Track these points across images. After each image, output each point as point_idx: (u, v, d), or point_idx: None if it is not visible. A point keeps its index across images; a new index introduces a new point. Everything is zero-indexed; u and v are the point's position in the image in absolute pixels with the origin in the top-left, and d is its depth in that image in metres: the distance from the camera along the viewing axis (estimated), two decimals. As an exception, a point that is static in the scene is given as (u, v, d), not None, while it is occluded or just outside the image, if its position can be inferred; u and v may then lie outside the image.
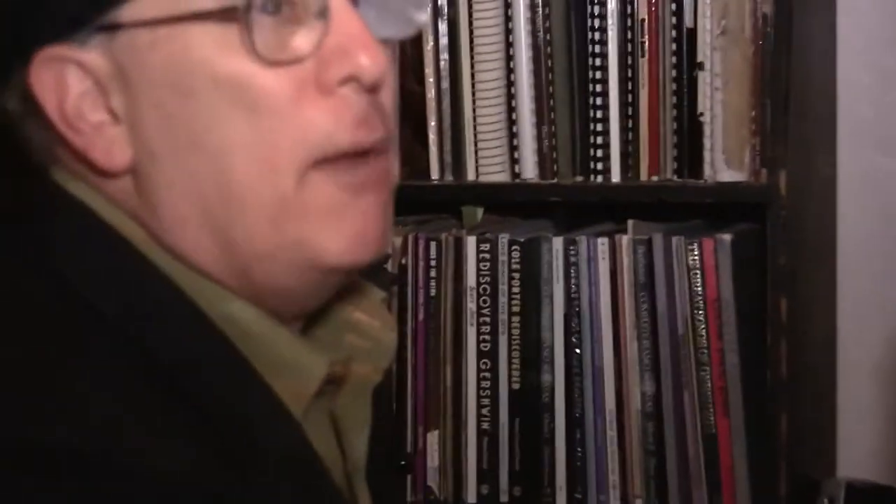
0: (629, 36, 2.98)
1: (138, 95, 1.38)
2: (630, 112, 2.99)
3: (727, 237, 2.93)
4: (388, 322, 1.61)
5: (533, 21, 3.01)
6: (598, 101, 3.00)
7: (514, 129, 3.05)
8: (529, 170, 3.04)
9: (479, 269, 3.06)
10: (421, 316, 3.06)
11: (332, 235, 1.40)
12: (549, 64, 3.04)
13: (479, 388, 3.07)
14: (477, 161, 2.98)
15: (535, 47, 3.02)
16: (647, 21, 2.96)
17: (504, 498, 3.08)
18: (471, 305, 3.07)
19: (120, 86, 1.38)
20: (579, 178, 3.03)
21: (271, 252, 1.40)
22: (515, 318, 3.05)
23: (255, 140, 1.37)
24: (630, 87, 2.99)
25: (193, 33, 1.36)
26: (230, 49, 1.36)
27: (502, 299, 3.05)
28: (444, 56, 3.02)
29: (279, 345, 1.43)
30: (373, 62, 1.38)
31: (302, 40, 1.38)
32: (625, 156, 3.00)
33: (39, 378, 1.30)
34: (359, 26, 1.39)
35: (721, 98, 2.92)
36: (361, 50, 1.38)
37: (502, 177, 3.05)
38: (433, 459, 3.12)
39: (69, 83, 1.38)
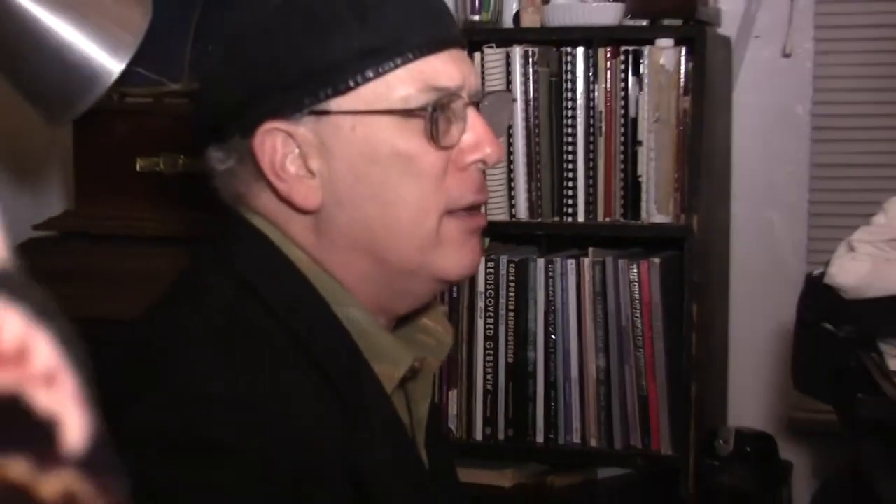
0: (591, 122, 3.13)
1: (334, 159, 1.46)
2: (592, 173, 3.14)
3: (657, 260, 3.10)
4: (448, 328, 1.66)
5: (526, 110, 3.12)
6: (570, 165, 3.15)
7: (512, 183, 3.15)
8: (522, 211, 3.17)
9: (486, 280, 3.17)
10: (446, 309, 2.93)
11: (454, 260, 1.52)
12: (537, 140, 3.16)
13: (484, 361, 3.20)
14: (486, 205, 2.83)
15: (528, 128, 3.13)
16: (603, 112, 3.11)
17: (501, 437, 3.20)
18: (480, 304, 3.19)
19: (319, 152, 1.46)
20: (556, 218, 3.18)
21: (414, 269, 1.50)
22: (511, 314, 3.19)
23: (417, 197, 1.47)
24: (592, 157, 3.14)
25: (383, 121, 1.45)
26: (408, 134, 1.45)
27: (502, 300, 3.19)
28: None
29: (381, 340, 1.50)
30: (495, 153, 1.52)
31: (455, 134, 1.48)
32: (588, 203, 3.15)
33: (227, 344, 1.40)
34: (485, 127, 1.51)
35: (654, 165, 3.08)
36: (489, 144, 1.50)
37: (503, 216, 3.14)
38: (453, 409, 3.22)
39: (279, 146, 1.45)
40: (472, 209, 1.55)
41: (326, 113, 1.45)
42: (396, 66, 1.45)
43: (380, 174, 1.47)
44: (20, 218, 3.20)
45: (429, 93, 1.46)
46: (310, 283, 1.48)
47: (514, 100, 3.10)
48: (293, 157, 1.46)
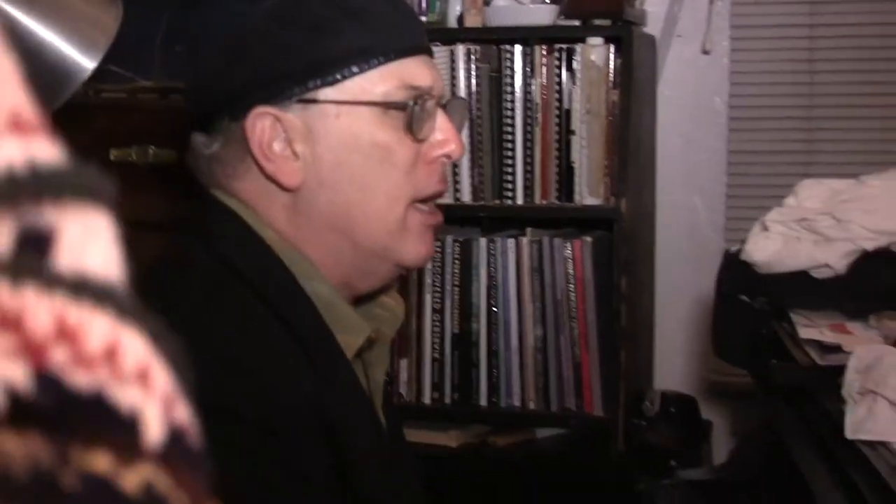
0: (529, 113, 3.15)
1: (318, 145, 1.48)
2: (529, 160, 3.16)
3: (589, 239, 3.12)
4: (401, 303, 1.68)
5: (469, 103, 3.07)
6: (509, 153, 3.16)
7: (457, 170, 3.14)
8: (466, 195, 3.18)
9: (433, 259, 3.12)
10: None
11: (413, 249, 1.55)
12: (479, 130, 3.17)
13: (432, 332, 3.22)
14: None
15: (471, 120, 3.07)
16: (540, 104, 3.13)
17: (447, 401, 3.23)
18: (428, 280, 3.20)
19: (304, 137, 1.48)
20: (497, 201, 3.19)
21: (380, 251, 1.52)
22: (456, 289, 3.21)
23: (390, 184, 1.50)
24: (529, 145, 3.15)
25: (364, 112, 1.48)
26: (386, 126, 1.49)
27: (448, 277, 3.21)
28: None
29: (343, 312, 1.51)
30: (459, 149, 1.57)
31: (427, 129, 1.53)
32: (526, 187, 3.16)
33: (216, 312, 1.43)
34: (451, 125, 1.56)
35: (586, 153, 3.11)
36: (454, 141, 1.55)
37: (449, 200, 3.04)
38: (403, 376, 3.23)
39: (268, 129, 1.47)
40: (433, 206, 1.58)
41: (314, 101, 1.48)
42: (379, 64, 1.49)
43: (358, 161, 1.49)
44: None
45: (406, 90, 1.50)
46: (280, 259, 1.50)
47: (492, 76, 3.17)
48: (280, 139, 1.49)
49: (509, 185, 3.20)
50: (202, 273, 1.48)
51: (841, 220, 2.04)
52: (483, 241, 3.21)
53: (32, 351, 0.43)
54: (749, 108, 3.53)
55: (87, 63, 2.01)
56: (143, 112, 2.96)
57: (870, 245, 2.02)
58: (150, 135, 2.87)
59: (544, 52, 3.16)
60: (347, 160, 1.49)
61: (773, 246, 2.07)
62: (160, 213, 2.82)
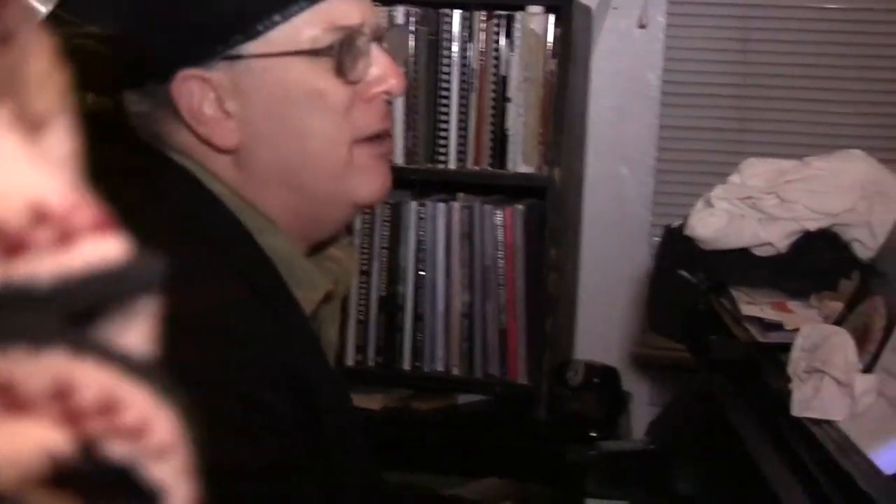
0: (465, 79, 3.15)
1: (249, 101, 1.45)
2: (464, 126, 3.16)
3: (521, 207, 3.14)
4: (353, 257, 1.70)
5: (406, 66, 3.06)
6: (444, 118, 3.16)
7: (391, 132, 3.16)
8: (399, 157, 3.14)
9: (362, 219, 3.18)
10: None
11: (366, 185, 1.52)
12: (415, 93, 3.15)
13: (358, 294, 3.21)
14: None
15: (408, 83, 3.02)
16: (477, 70, 3.13)
17: (371, 364, 3.23)
18: (357, 242, 3.16)
19: (234, 94, 1.44)
20: (430, 165, 3.19)
21: (331, 196, 1.51)
22: (384, 251, 3.20)
23: (327, 129, 1.47)
24: (464, 111, 3.16)
25: (293, 62, 1.44)
26: (316, 71, 1.45)
27: (377, 239, 3.20)
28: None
29: (302, 267, 1.50)
30: (399, 84, 1.53)
31: (361, 68, 1.48)
32: (459, 153, 3.17)
33: (180, 273, 1.47)
34: (388, 60, 1.52)
35: (521, 120, 3.12)
36: (392, 76, 1.51)
37: None
38: None
39: (196, 91, 1.44)
40: (381, 136, 1.55)
41: (239, 58, 1.44)
42: (301, 10, 1.44)
43: (292, 111, 1.47)
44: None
45: (334, 32, 1.46)
46: (234, 214, 1.48)
47: (411, 31, 3.13)
48: (209, 100, 1.45)
49: (443, 150, 3.20)
50: (157, 231, 1.42)
51: (785, 200, 2.06)
52: (413, 205, 3.21)
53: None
54: (682, 84, 3.55)
55: (39, 5, 1.98)
56: (80, 57, 2.92)
57: (812, 225, 2.05)
58: (88, 81, 2.83)
59: (483, 18, 3.15)
60: (281, 112, 1.46)
61: (717, 222, 2.09)
62: (100, 161, 2.82)
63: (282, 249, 1.49)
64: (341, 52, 1.46)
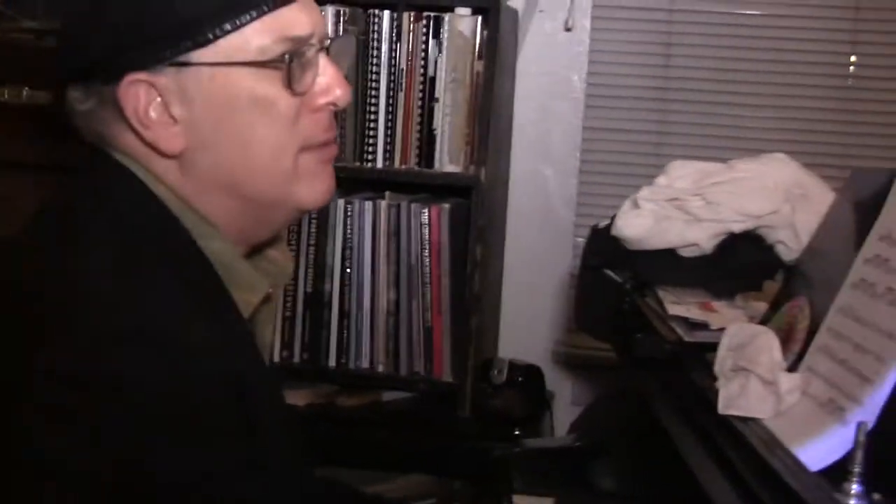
0: (393, 78, 3.14)
1: (196, 107, 1.44)
2: (391, 125, 3.16)
3: (447, 206, 3.14)
4: (290, 258, 1.68)
5: (350, 71, 3.08)
6: (373, 117, 3.15)
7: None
8: None
9: None
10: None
11: (310, 191, 1.52)
12: (350, 87, 3.18)
13: (285, 290, 3.16)
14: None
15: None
16: (405, 70, 3.13)
17: (297, 360, 3.21)
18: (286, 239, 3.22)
19: (180, 99, 1.43)
20: (357, 163, 3.18)
21: (275, 201, 1.50)
22: (311, 248, 3.19)
23: (274, 138, 1.46)
24: (392, 110, 3.15)
25: (242, 71, 1.43)
26: (264, 81, 1.44)
27: (304, 235, 3.19)
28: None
29: (241, 270, 1.50)
30: (344, 96, 1.53)
31: (308, 80, 1.47)
32: (387, 151, 3.17)
33: (121, 280, 1.35)
34: (335, 71, 1.52)
35: (449, 120, 3.12)
36: (339, 87, 1.51)
37: None
38: None
39: (142, 95, 1.43)
40: (326, 144, 1.55)
41: (187, 64, 1.43)
42: (252, 19, 1.43)
43: (239, 119, 1.45)
44: None
45: (283, 43, 1.45)
46: (176, 218, 1.47)
47: (359, 38, 3.12)
48: (156, 104, 1.44)
49: (371, 149, 3.19)
50: (103, 239, 1.42)
51: (711, 202, 2.09)
52: (341, 203, 3.20)
53: None
54: (605, 87, 3.58)
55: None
56: (17, 51, 2.88)
57: (737, 227, 2.07)
58: (24, 75, 2.80)
59: (412, 19, 3.15)
60: (227, 119, 1.45)
61: (643, 223, 2.11)
62: (36, 155, 2.77)
63: (222, 253, 1.49)
64: (290, 64, 1.45)
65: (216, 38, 1.43)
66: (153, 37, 1.42)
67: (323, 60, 1.51)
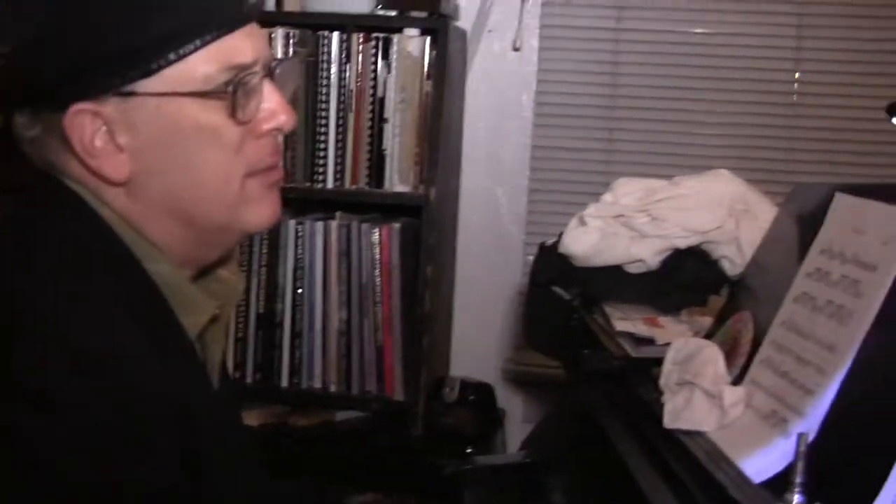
0: (343, 99, 3.15)
1: (141, 135, 1.43)
2: (341, 145, 3.17)
3: (397, 225, 3.15)
4: (241, 278, 1.68)
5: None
6: (322, 137, 3.17)
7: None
8: None
9: None
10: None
11: (256, 215, 1.52)
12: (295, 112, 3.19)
13: (237, 311, 3.18)
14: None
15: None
16: (354, 91, 3.14)
17: (249, 380, 3.22)
18: (237, 258, 3.23)
19: (126, 128, 1.43)
20: (308, 184, 3.19)
21: (222, 226, 1.50)
22: (263, 269, 3.20)
23: (219, 165, 1.46)
24: (342, 131, 3.16)
25: (187, 100, 1.43)
26: (209, 110, 1.43)
27: (255, 256, 3.20)
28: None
29: (187, 292, 1.50)
30: (289, 121, 1.53)
31: (252, 107, 1.47)
32: (337, 172, 3.18)
33: (65, 303, 1.34)
34: (279, 97, 1.51)
35: (398, 140, 3.14)
36: (283, 113, 1.51)
37: None
38: None
39: (87, 125, 1.42)
40: (272, 168, 1.55)
41: (132, 94, 1.42)
42: (196, 48, 1.43)
43: (184, 147, 1.45)
44: None
45: (227, 71, 1.44)
46: (122, 241, 1.46)
47: (302, 62, 3.11)
48: (101, 133, 1.44)
49: (321, 169, 3.20)
50: (50, 259, 1.41)
51: (656, 218, 2.10)
52: (292, 223, 3.21)
53: None
54: (554, 105, 3.59)
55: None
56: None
57: (682, 243, 2.08)
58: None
59: (361, 40, 3.16)
60: (173, 147, 1.45)
61: (590, 240, 2.12)
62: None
63: (167, 275, 1.48)
64: (234, 93, 1.45)
65: (160, 67, 1.42)
66: (98, 66, 1.41)
67: (268, 87, 1.51)
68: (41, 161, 1.50)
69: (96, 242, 1.45)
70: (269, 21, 3.19)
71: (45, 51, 1.43)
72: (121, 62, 1.41)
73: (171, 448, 1.34)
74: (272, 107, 1.51)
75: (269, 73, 1.52)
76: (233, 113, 1.45)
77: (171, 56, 1.42)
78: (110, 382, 1.29)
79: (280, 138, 1.56)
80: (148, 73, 1.42)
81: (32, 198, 1.51)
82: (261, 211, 1.53)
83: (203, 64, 1.44)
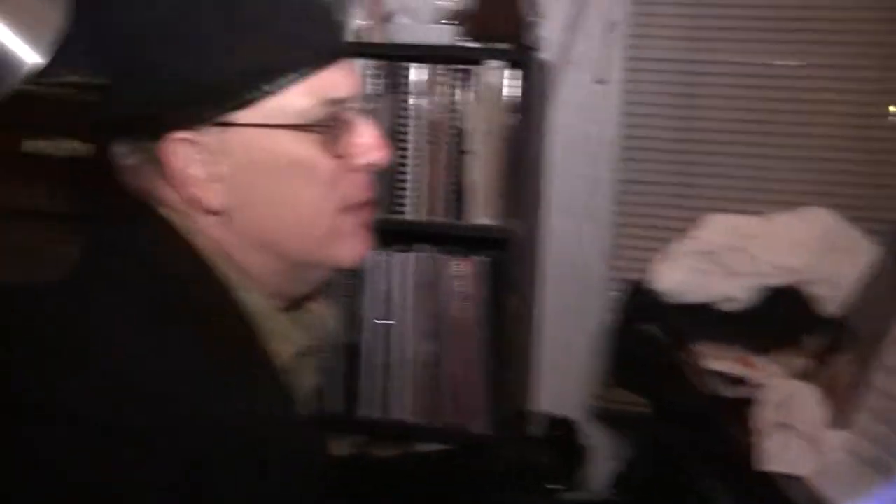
0: (425, 131, 3.13)
1: (237, 166, 1.45)
2: (423, 177, 3.15)
3: (480, 258, 3.12)
4: (332, 312, 1.67)
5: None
6: (403, 170, 3.14)
7: (374, 200, 3.09)
8: None
9: None
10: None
11: (347, 252, 1.52)
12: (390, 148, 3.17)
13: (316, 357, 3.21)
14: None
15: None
16: (436, 123, 3.12)
17: (332, 410, 3.19)
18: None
19: (222, 158, 1.45)
20: (389, 216, 3.15)
21: (313, 261, 1.52)
22: (345, 300, 3.17)
23: (313, 199, 1.47)
24: (423, 162, 3.14)
25: (283, 133, 1.44)
26: (304, 143, 1.44)
27: (337, 287, 3.16)
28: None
29: (278, 322, 1.50)
30: (384, 157, 1.53)
31: (347, 142, 1.48)
32: (418, 203, 3.15)
33: (143, 329, 1.37)
34: (374, 132, 1.52)
35: (480, 172, 3.10)
36: (378, 150, 1.51)
37: None
38: None
39: (185, 154, 1.45)
40: (365, 204, 1.55)
41: (229, 125, 1.44)
42: (293, 82, 1.44)
43: (279, 179, 1.46)
44: None
45: (323, 105, 1.46)
46: (213, 269, 1.48)
47: (391, 92, 3.10)
48: (197, 163, 1.46)
49: (402, 200, 3.19)
50: (126, 285, 1.43)
51: (748, 255, 2.06)
52: (372, 254, 3.19)
53: None
54: (638, 139, 3.56)
55: (33, 58, 1.97)
56: (56, 104, 2.90)
57: (775, 281, 2.05)
58: (62, 128, 2.82)
59: (443, 72, 3.15)
60: (269, 179, 1.46)
61: (679, 276, 2.09)
62: (73, 205, 2.79)
63: (257, 305, 1.49)
64: (330, 127, 1.46)
65: (257, 99, 1.43)
66: (197, 97, 1.43)
67: (362, 122, 1.52)
68: (136, 189, 1.52)
69: (184, 268, 1.47)
70: (352, 52, 3.17)
71: (145, 81, 1.44)
72: (219, 93, 1.43)
73: (176, 458, 1.33)
74: (367, 142, 1.51)
75: (363, 109, 1.53)
76: (328, 147, 1.46)
77: (268, 88, 1.43)
78: (170, 416, 1.31)
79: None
80: (245, 105, 1.43)
81: (125, 225, 1.52)
82: (351, 248, 1.54)
83: (299, 97, 1.45)
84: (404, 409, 3.21)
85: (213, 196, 1.47)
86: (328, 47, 1.49)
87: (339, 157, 1.48)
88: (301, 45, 1.46)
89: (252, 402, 1.42)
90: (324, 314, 1.66)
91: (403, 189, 3.18)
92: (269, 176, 1.46)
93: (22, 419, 1.29)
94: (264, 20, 1.45)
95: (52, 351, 1.35)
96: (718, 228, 2.14)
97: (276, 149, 1.45)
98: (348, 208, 1.51)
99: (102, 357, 1.33)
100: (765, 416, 1.63)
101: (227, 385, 1.39)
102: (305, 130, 1.45)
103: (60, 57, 2.40)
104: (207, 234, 1.49)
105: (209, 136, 1.45)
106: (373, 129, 1.53)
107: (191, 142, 1.45)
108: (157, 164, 1.47)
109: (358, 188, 1.52)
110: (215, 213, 1.48)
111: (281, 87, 1.44)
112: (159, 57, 1.44)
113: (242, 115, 1.44)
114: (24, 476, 1.27)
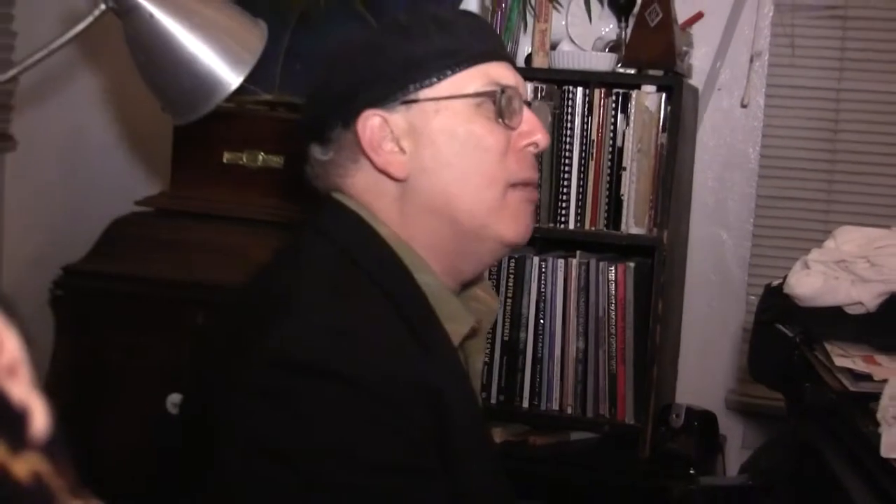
0: (585, 149, 3.19)
1: (421, 138, 1.53)
2: (582, 191, 3.20)
3: (632, 264, 3.16)
4: (495, 297, 1.72)
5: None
6: (565, 183, 3.20)
7: (537, 182, 3.12)
8: None
9: (489, 271, 3.13)
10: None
11: (513, 226, 1.57)
12: (540, 161, 3.06)
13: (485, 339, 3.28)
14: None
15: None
16: (595, 141, 3.18)
17: (493, 401, 3.25)
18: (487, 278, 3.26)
19: (408, 134, 1.53)
20: (551, 225, 3.22)
21: (481, 231, 1.55)
22: (509, 301, 3.24)
23: (485, 167, 1.53)
24: (583, 177, 3.19)
25: (459, 106, 1.53)
26: (479, 117, 1.54)
27: (502, 289, 3.23)
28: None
29: (450, 303, 1.54)
30: (545, 139, 1.60)
31: (516, 119, 1.56)
32: (578, 214, 3.20)
33: (338, 294, 1.44)
34: (536, 119, 1.59)
35: (634, 187, 3.15)
36: (540, 132, 1.59)
37: None
38: None
39: (377, 129, 1.54)
40: (529, 184, 1.61)
41: (415, 101, 1.54)
42: (469, 66, 1.55)
43: (456, 149, 1.54)
44: (127, 195, 3.27)
45: (493, 86, 1.55)
46: (394, 252, 1.54)
47: (554, 112, 3.16)
48: (388, 138, 1.54)
49: (563, 212, 3.24)
50: (325, 264, 1.50)
51: (875, 264, 2.10)
52: (536, 260, 3.25)
53: None
54: (777, 159, 3.58)
55: (234, 78, 2.07)
56: (253, 120, 3.03)
57: (900, 288, 2.08)
58: (259, 141, 2.93)
59: (602, 95, 3.21)
60: (446, 149, 1.54)
61: (813, 282, 2.13)
62: (268, 212, 2.90)
63: (433, 286, 1.54)
64: (502, 98, 1.55)
65: (438, 80, 1.54)
66: (387, 79, 1.54)
67: (526, 110, 1.60)
68: (328, 183, 1.61)
69: (371, 252, 1.53)
70: (523, 75, 3.23)
71: (343, 67, 1.58)
72: (406, 75, 1.54)
73: (427, 432, 1.38)
74: (530, 126, 1.59)
75: (527, 104, 1.62)
76: (500, 116, 1.55)
77: (448, 71, 1.54)
78: (377, 361, 1.36)
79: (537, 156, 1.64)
80: (427, 85, 1.54)
81: (315, 217, 1.60)
82: (517, 223, 1.59)
83: (472, 80, 1.55)
84: (559, 400, 3.25)
85: (399, 166, 1.54)
86: (495, 46, 1.61)
87: (508, 127, 1.56)
88: (474, 40, 1.57)
89: (440, 371, 1.45)
90: (489, 302, 1.71)
91: (566, 201, 3.24)
92: (447, 146, 1.54)
93: (292, 374, 1.34)
94: (446, 22, 1.58)
95: (275, 318, 1.41)
96: (849, 239, 2.17)
97: (454, 121, 1.54)
98: (515, 185, 1.57)
99: (304, 313, 1.40)
100: (885, 408, 1.66)
101: (429, 358, 1.44)
102: (479, 97, 1.54)
103: (259, 79, 2.50)
104: (386, 219, 1.56)
105: (397, 113, 1.54)
106: (534, 116, 1.61)
107: (382, 118, 1.54)
108: (350, 147, 1.57)
109: (523, 165, 1.59)
110: (399, 180, 1.55)
111: (458, 70, 1.54)
112: (363, 54, 1.57)
113: (425, 93, 1.54)
114: (291, 426, 1.32)
